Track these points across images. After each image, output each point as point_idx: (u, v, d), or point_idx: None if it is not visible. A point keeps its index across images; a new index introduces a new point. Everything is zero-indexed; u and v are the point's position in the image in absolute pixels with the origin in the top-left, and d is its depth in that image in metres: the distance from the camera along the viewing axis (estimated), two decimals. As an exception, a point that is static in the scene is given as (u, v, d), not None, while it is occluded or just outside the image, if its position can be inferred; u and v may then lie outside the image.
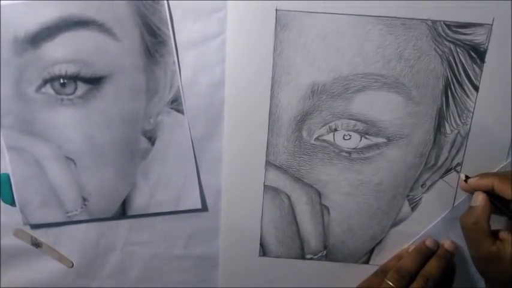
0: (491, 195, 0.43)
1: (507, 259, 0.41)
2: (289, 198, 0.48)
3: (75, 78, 0.43)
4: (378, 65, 0.43)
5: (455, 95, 0.44)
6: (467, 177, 0.45)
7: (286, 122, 0.45)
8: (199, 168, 0.48)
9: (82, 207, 0.48)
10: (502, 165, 0.46)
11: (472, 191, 0.45)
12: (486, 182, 0.43)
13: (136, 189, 0.48)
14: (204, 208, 0.49)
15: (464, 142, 0.45)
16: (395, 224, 0.48)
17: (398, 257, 0.49)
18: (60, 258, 0.51)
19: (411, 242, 0.49)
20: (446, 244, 0.47)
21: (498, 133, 0.45)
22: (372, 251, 0.49)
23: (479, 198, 0.43)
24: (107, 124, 0.45)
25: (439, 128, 0.45)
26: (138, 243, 0.50)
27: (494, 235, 0.43)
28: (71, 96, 0.44)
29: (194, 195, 0.48)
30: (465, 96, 0.44)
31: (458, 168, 0.46)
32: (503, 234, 0.43)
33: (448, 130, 0.45)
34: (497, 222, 0.44)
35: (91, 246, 0.50)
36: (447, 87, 0.44)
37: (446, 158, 0.46)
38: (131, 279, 0.52)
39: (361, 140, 0.45)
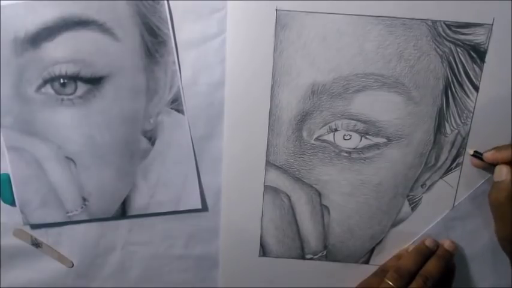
0: None
1: None
2: (289, 198, 0.48)
3: (75, 78, 0.43)
4: (378, 65, 0.43)
5: (456, 95, 0.44)
6: (477, 152, 0.44)
7: (286, 122, 0.45)
8: (199, 168, 0.48)
9: (82, 207, 0.48)
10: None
11: (485, 166, 0.44)
12: (505, 155, 0.41)
13: (136, 189, 0.48)
14: (204, 208, 0.49)
15: (464, 142, 0.45)
16: (395, 224, 0.48)
17: (398, 256, 0.49)
18: (60, 258, 0.51)
19: (411, 242, 0.49)
20: (446, 244, 0.47)
21: (498, 133, 0.45)
22: (372, 251, 0.49)
23: (504, 172, 0.42)
24: (107, 124, 0.45)
25: (439, 128, 0.45)
26: (138, 243, 0.50)
27: None
28: (71, 96, 0.44)
29: (194, 195, 0.48)
30: (465, 96, 0.44)
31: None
32: None
33: (448, 130, 0.45)
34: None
35: (91, 246, 0.50)
36: (447, 87, 0.44)
37: (446, 158, 0.46)
38: (131, 279, 0.52)
39: (361, 140, 0.45)
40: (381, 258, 0.49)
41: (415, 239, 0.49)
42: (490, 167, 0.44)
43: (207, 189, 0.48)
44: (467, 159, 0.46)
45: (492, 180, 0.44)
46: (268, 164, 0.47)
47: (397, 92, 0.44)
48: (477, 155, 0.44)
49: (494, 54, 0.43)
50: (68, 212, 0.48)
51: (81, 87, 0.44)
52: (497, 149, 0.43)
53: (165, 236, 0.50)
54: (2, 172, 0.47)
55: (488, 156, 0.43)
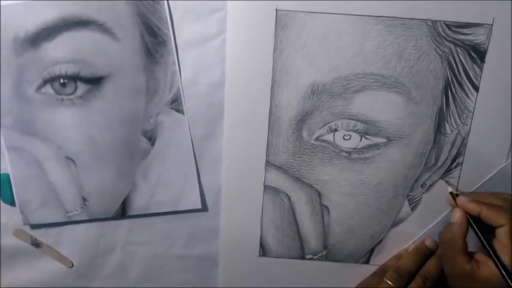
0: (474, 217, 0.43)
1: (480, 280, 0.41)
2: (289, 198, 0.48)
3: (75, 78, 0.43)
4: (378, 65, 0.43)
5: (455, 95, 0.44)
6: (453, 193, 0.45)
7: (286, 122, 0.45)
8: (199, 168, 0.48)
9: (82, 207, 0.48)
10: (501, 167, 0.46)
11: (455, 206, 0.45)
12: (474, 208, 0.42)
13: (136, 189, 0.48)
14: (204, 208, 0.49)
15: (464, 142, 0.45)
16: (395, 224, 0.48)
17: (398, 256, 0.49)
18: (60, 258, 0.51)
19: (411, 242, 0.49)
20: (446, 244, 0.47)
21: (498, 133, 0.45)
22: (371, 251, 0.49)
23: (457, 216, 0.43)
24: (107, 124, 0.45)
25: (439, 128, 0.45)
26: (138, 243, 0.50)
27: (470, 255, 0.42)
28: (71, 96, 0.44)
29: (194, 195, 0.48)
30: (465, 96, 0.44)
31: (449, 177, 0.46)
32: (479, 256, 0.42)
33: (448, 130, 0.45)
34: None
35: (91, 246, 0.50)
36: (447, 87, 0.44)
37: (446, 158, 0.46)
38: (131, 279, 0.52)
39: (361, 140, 0.45)
40: (380, 258, 0.49)
41: (415, 239, 0.49)
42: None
43: (207, 189, 0.48)
44: (467, 159, 0.46)
45: (492, 182, 0.45)
46: (268, 164, 0.47)
47: (397, 92, 0.44)
48: (453, 194, 0.45)
49: (494, 54, 0.43)
50: (68, 212, 0.48)
51: (81, 87, 0.44)
52: (471, 198, 0.43)
53: (165, 236, 0.50)
54: (2, 172, 0.47)
55: (460, 202, 0.44)
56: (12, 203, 0.48)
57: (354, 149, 0.46)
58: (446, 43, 0.43)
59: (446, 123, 0.45)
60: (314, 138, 0.46)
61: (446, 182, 0.46)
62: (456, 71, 0.43)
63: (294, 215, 0.48)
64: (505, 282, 0.39)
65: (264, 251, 0.50)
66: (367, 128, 0.45)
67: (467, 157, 0.46)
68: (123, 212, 0.48)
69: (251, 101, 0.45)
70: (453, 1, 0.42)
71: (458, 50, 0.43)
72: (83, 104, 0.44)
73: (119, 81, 0.44)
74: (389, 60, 0.43)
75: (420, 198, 0.48)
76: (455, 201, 0.44)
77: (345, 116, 0.45)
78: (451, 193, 0.45)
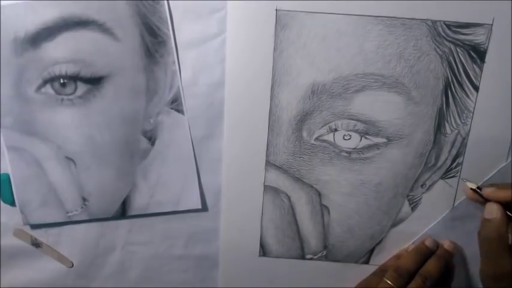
0: (504, 206, 0.42)
1: None
2: (289, 198, 0.48)
3: (75, 78, 0.43)
4: (378, 65, 0.43)
5: (456, 95, 0.44)
6: (478, 188, 0.44)
7: (286, 122, 0.45)
8: (199, 168, 0.48)
9: (82, 207, 0.48)
10: (501, 166, 0.46)
11: (481, 201, 0.44)
12: (504, 194, 0.42)
13: (136, 189, 0.48)
14: (204, 208, 0.49)
15: (464, 142, 0.45)
16: (395, 224, 0.48)
17: (398, 256, 0.49)
18: (60, 258, 0.51)
19: (411, 242, 0.49)
20: (446, 244, 0.47)
21: (498, 133, 0.45)
22: (371, 251, 0.49)
23: (495, 210, 0.42)
24: (107, 124, 0.45)
25: (439, 128, 0.45)
26: (138, 243, 0.50)
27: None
28: (71, 96, 0.44)
29: (194, 195, 0.48)
30: (465, 96, 0.44)
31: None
32: None
33: (448, 130, 0.45)
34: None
35: (91, 246, 0.50)
36: (447, 87, 0.44)
37: (446, 158, 0.46)
38: (131, 279, 0.52)
39: (361, 140, 0.45)
40: (380, 258, 0.49)
41: (415, 239, 0.49)
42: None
43: (207, 189, 0.48)
44: (467, 159, 0.46)
45: (492, 181, 0.44)
46: (268, 164, 0.47)
47: (397, 92, 0.44)
48: (477, 190, 0.44)
49: (494, 54, 0.43)
50: (68, 212, 0.48)
51: (81, 87, 0.44)
52: (498, 187, 0.43)
53: (165, 236, 0.50)
54: (2, 172, 0.47)
55: (488, 193, 0.43)
56: (12, 203, 0.48)
57: (354, 149, 0.46)
58: (446, 43, 0.43)
59: (446, 123, 0.45)
60: (314, 138, 0.46)
61: (464, 180, 0.45)
62: (456, 71, 0.44)
63: (294, 215, 0.48)
64: None
65: (264, 251, 0.50)
66: (367, 128, 0.45)
67: (467, 157, 0.46)
68: (123, 212, 0.48)
69: (251, 101, 0.45)
70: (453, 1, 0.42)
71: (458, 50, 0.43)
72: (83, 104, 0.44)
73: (119, 81, 0.44)
74: (389, 60, 0.43)
75: (420, 198, 0.48)
76: (482, 196, 0.43)
77: (345, 116, 0.45)
78: (473, 189, 0.44)
